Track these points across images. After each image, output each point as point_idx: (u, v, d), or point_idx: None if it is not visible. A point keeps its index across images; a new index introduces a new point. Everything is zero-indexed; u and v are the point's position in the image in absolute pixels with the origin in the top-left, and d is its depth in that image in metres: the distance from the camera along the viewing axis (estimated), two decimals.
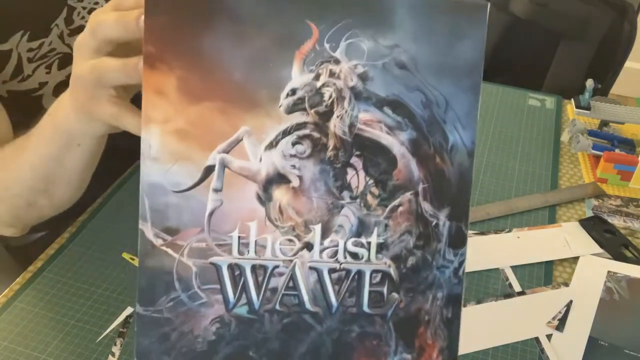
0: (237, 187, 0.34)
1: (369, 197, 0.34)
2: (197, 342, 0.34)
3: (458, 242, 0.37)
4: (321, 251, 0.34)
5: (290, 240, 0.34)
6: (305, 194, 0.34)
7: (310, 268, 0.34)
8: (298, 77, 0.33)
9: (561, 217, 0.83)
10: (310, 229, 0.34)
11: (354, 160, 0.34)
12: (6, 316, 0.66)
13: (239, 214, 0.34)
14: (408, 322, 0.35)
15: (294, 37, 0.33)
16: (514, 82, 1.15)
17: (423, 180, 0.35)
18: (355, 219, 0.34)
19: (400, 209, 0.35)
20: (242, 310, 0.34)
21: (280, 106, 0.34)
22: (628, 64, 1.40)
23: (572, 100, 1.07)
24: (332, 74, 0.33)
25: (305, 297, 0.34)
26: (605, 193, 0.88)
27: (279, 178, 0.34)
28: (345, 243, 0.34)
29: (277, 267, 0.34)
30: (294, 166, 0.34)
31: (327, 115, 0.34)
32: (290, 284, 0.34)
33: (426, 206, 0.35)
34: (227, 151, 0.34)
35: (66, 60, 0.78)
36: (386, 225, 0.35)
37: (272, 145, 0.34)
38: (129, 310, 0.67)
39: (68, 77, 0.74)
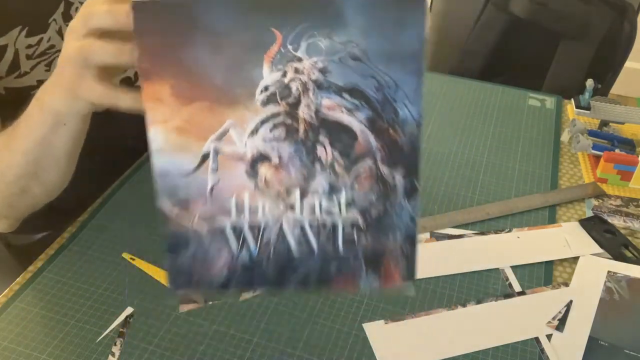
0: (229, 167, 0.42)
1: (337, 166, 0.43)
2: (214, 279, 0.44)
3: (412, 193, 0.44)
4: (302, 210, 0.43)
5: (277, 204, 0.43)
6: (284, 168, 0.43)
7: (295, 224, 0.44)
8: (269, 76, 0.40)
9: (561, 217, 0.83)
10: (291, 193, 0.43)
11: (322, 138, 0.42)
12: (6, 316, 0.66)
13: (233, 187, 0.43)
14: (375, 257, 0.45)
15: (261, 43, 0.39)
16: (514, 82, 1.15)
17: (380, 149, 0.43)
18: (326, 184, 0.43)
19: (363, 173, 0.43)
20: (244, 258, 0.44)
21: (256, 101, 0.41)
22: (628, 64, 1.40)
23: (572, 100, 1.07)
24: (296, 71, 0.41)
25: (293, 246, 0.44)
26: (605, 193, 0.88)
27: (262, 157, 0.43)
28: (320, 203, 0.43)
29: (268, 224, 0.43)
30: (273, 148, 0.42)
31: (296, 105, 0.41)
32: (280, 236, 0.44)
33: (384, 169, 0.43)
34: (218, 139, 0.42)
35: None
36: (352, 186, 0.43)
37: (253, 132, 0.42)
38: (129, 310, 0.67)
39: None
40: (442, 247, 0.77)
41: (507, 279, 0.73)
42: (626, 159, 0.88)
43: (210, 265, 0.44)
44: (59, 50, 0.70)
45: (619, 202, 0.86)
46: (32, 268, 0.72)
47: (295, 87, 0.41)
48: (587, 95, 1.05)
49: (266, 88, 0.41)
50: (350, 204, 0.44)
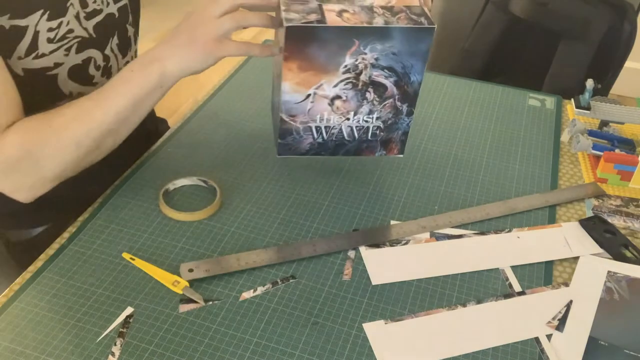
0: (319, 101, 0.78)
1: (374, 101, 0.79)
2: (302, 150, 0.83)
3: (409, 114, 0.81)
4: (352, 120, 0.81)
5: (340, 118, 0.80)
6: (348, 102, 0.78)
7: (348, 126, 0.81)
8: (348, 60, 0.74)
9: (561, 217, 0.83)
10: (349, 113, 0.80)
11: (369, 89, 0.78)
12: (6, 316, 0.66)
13: (320, 109, 0.79)
14: (386, 141, 0.84)
15: (347, 45, 0.73)
16: (514, 82, 1.15)
17: (398, 94, 0.79)
18: (368, 109, 0.80)
19: (387, 105, 0.80)
20: (319, 140, 0.82)
21: (339, 71, 0.75)
22: (628, 64, 1.40)
23: (572, 100, 1.07)
24: (363, 59, 0.74)
25: (345, 135, 0.82)
26: (605, 193, 0.88)
27: (337, 97, 0.78)
28: (362, 117, 0.81)
29: (334, 126, 0.81)
30: (343, 92, 0.77)
31: (359, 74, 0.76)
32: (340, 131, 0.82)
33: (398, 103, 0.80)
34: (317, 88, 0.76)
35: (84, 44, 0.80)
36: (380, 110, 0.80)
37: (335, 85, 0.76)
38: (129, 310, 0.67)
39: (84, 61, 0.80)
40: (442, 247, 0.77)
41: (507, 279, 0.73)
42: (626, 159, 0.88)
43: (300, 143, 0.82)
44: (78, 37, 0.77)
45: (619, 202, 0.86)
46: (32, 268, 0.72)
47: (360, 65, 0.75)
48: (587, 95, 1.05)
49: (346, 66, 0.75)
50: (378, 118, 0.81)
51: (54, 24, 0.75)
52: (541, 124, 1.03)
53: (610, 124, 1.00)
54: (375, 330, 0.66)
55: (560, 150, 0.97)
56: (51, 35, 0.76)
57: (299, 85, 0.76)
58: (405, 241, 0.78)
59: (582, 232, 0.80)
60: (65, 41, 0.78)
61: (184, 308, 0.68)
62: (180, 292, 0.69)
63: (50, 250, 0.74)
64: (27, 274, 0.71)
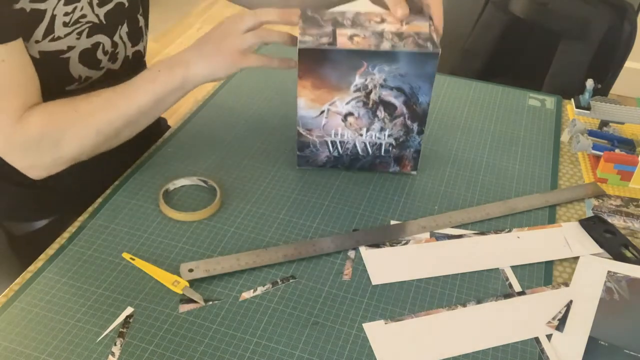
0: (333, 117, 0.83)
1: (385, 119, 0.84)
2: (318, 162, 0.89)
3: (420, 133, 0.85)
4: (365, 137, 0.85)
5: (354, 134, 0.85)
6: (360, 119, 0.84)
7: (362, 142, 0.86)
8: (358, 80, 0.79)
9: (561, 217, 0.83)
10: (362, 130, 0.85)
11: (380, 107, 0.82)
12: (6, 316, 0.66)
13: (334, 125, 0.84)
14: (399, 158, 0.88)
15: (356, 66, 0.78)
16: (514, 82, 1.15)
17: (407, 113, 0.83)
18: (379, 127, 0.84)
19: (398, 123, 0.84)
20: (334, 154, 0.88)
21: (350, 90, 0.80)
22: (628, 64, 1.40)
23: (572, 100, 1.07)
24: (372, 79, 0.79)
25: (359, 151, 0.87)
26: (605, 193, 0.88)
27: (350, 113, 0.83)
28: (375, 134, 0.85)
29: (348, 141, 0.86)
30: (355, 110, 0.82)
31: (369, 93, 0.81)
32: (354, 146, 0.87)
33: (408, 122, 0.84)
34: (330, 105, 0.82)
35: (94, 29, 0.83)
36: (392, 128, 0.85)
37: (347, 103, 0.82)
38: (129, 310, 0.67)
39: (94, 45, 0.84)
40: (442, 247, 0.77)
41: (507, 279, 0.73)
42: (626, 159, 0.88)
43: (317, 157, 0.88)
44: (90, 22, 0.82)
45: (619, 202, 0.86)
46: (32, 268, 0.72)
47: (370, 85, 0.80)
48: (587, 95, 1.05)
49: (356, 85, 0.80)
50: (389, 135, 0.86)
51: (69, 8, 0.79)
52: (541, 124, 1.03)
53: (610, 124, 1.00)
54: (375, 330, 0.66)
55: (560, 150, 0.97)
56: (66, 19, 0.79)
57: (314, 102, 0.82)
58: (405, 241, 0.78)
59: (582, 232, 0.80)
60: (78, 25, 0.81)
61: (184, 308, 0.68)
62: (180, 292, 0.69)
63: (50, 250, 0.74)
64: (27, 274, 0.71)
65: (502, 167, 0.92)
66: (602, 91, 1.30)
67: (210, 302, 0.69)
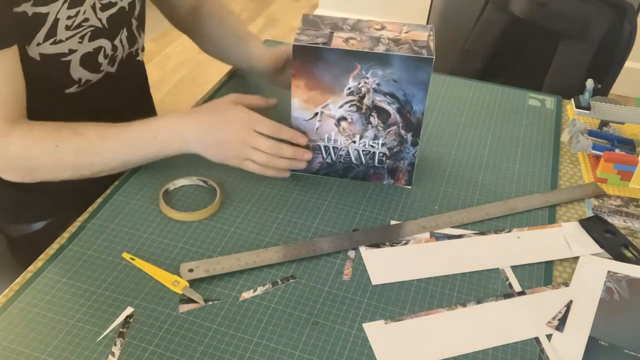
0: (326, 121, 0.82)
1: (379, 127, 0.82)
2: (312, 169, 0.88)
3: (414, 144, 0.83)
4: (358, 144, 0.84)
5: (347, 140, 0.84)
6: (353, 124, 0.82)
7: (355, 149, 0.85)
8: (351, 83, 0.79)
9: (561, 217, 0.83)
10: (355, 136, 0.83)
11: (373, 113, 0.81)
12: (6, 316, 0.66)
13: (328, 129, 0.83)
14: (393, 170, 0.86)
15: (349, 68, 0.77)
16: (514, 82, 1.15)
17: (401, 122, 0.81)
18: (372, 134, 0.83)
19: (391, 132, 0.82)
20: (328, 161, 0.86)
21: (344, 93, 0.79)
22: (628, 64, 1.40)
23: (572, 100, 1.07)
24: (365, 82, 0.78)
25: (352, 159, 0.86)
26: (605, 193, 0.88)
27: (343, 118, 0.82)
28: (368, 141, 0.84)
29: (341, 148, 0.85)
30: (348, 114, 0.81)
31: (362, 97, 0.80)
32: (347, 154, 0.85)
33: (402, 131, 0.82)
34: (323, 107, 0.81)
35: (96, 34, 0.84)
36: (385, 137, 0.83)
37: (341, 106, 0.81)
38: (129, 310, 0.67)
39: (96, 49, 0.84)
40: (442, 247, 0.77)
41: (507, 279, 0.73)
42: (626, 159, 0.88)
43: (311, 162, 0.86)
44: (92, 27, 0.82)
45: (619, 202, 0.86)
46: (32, 268, 0.72)
47: (363, 89, 0.79)
48: (587, 95, 1.05)
49: (349, 88, 0.79)
50: (383, 144, 0.84)
51: (72, 12, 0.79)
52: (541, 124, 1.03)
53: (610, 124, 1.00)
54: (375, 330, 0.66)
55: (560, 150, 0.97)
56: (69, 22, 0.79)
57: (307, 103, 0.81)
58: (405, 241, 0.78)
59: (582, 232, 0.80)
60: (81, 29, 0.81)
61: (184, 308, 0.68)
62: (180, 292, 0.69)
63: (50, 250, 0.74)
64: (27, 274, 0.71)
65: (502, 167, 0.92)
66: (602, 91, 1.30)
67: (210, 302, 0.69)
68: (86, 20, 0.81)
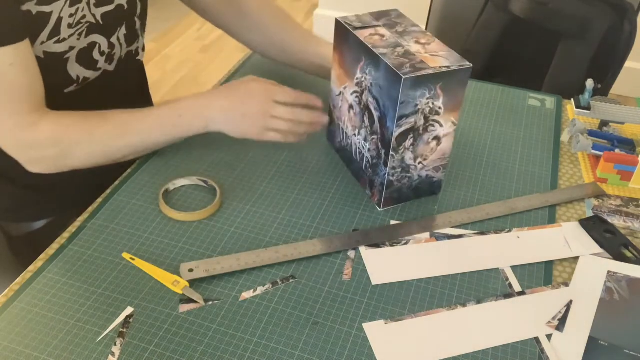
0: (345, 102, 0.86)
1: (368, 129, 0.80)
2: (337, 143, 0.91)
3: (385, 164, 0.78)
4: (357, 138, 0.83)
5: (353, 129, 0.84)
6: (356, 116, 0.82)
7: (355, 143, 0.84)
8: (358, 74, 0.79)
9: (561, 217, 0.83)
10: (355, 129, 0.84)
11: (366, 113, 0.80)
12: (6, 316, 0.66)
13: (344, 111, 0.86)
14: (372, 182, 0.83)
15: (358, 59, 0.78)
16: (514, 82, 1.15)
17: (380, 135, 0.78)
18: (364, 134, 0.81)
19: (374, 140, 0.80)
20: (342, 142, 0.89)
21: (354, 82, 0.81)
22: (628, 64, 1.40)
23: (572, 100, 1.07)
24: (365, 79, 0.78)
25: (353, 152, 0.86)
26: (605, 193, 0.88)
27: (351, 107, 0.83)
28: (362, 140, 0.82)
29: (349, 136, 0.86)
30: (353, 106, 0.83)
31: (362, 92, 0.80)
32: (351, 145, 0.86)
33: (380, 144, 0.78)
34: (344, 88, 0.84)
35: (91, 29, 0.84)
36: (370, 142, 0.80)
37: (352, 94, 0.82)
38: (129, 310, 0.67)
39: (90, 44, 0.84)
40: (442, 247, 0.77)
41: (507, 279, 0.73)
42: (626, 159, 0.88)
43: (335, 137, 0.91)
44: (88, 22, 0.82)
45: (619, 202, 0.86)
46: (32, 268, 0.72)
47: (364, 84, 0.79)
48: (587, 95, 1.05)
49: (357, 78, 0.80)
50: (369, 150, 0.81)
51: (73, 10, 0.79)
52: (541, 124, 1.03)
53: (610, 124, 1.00)
54: (375, 330, 0.66)
55: (560, 150, 0.97)
56: (71, 20, 0.79)
57: (337, 79, 0.85)
58: (405, 241, 0.78)
59: (582, 232, 0.80)
60: (79, 26, 0.81)
61: (184, 308, 0.68)
62: (180, 292, 0.69)
63: (50, 250, 0.74)
64: (27, 274, 0.71)
65: (502, 167, 0.92)
66: (602, 91, 1.30)
67: (210, 302, 0.69)
68: (84, 17, 0.81)
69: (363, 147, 0.83)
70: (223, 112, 0.82)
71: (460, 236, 0.79)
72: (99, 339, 0.64)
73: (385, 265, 0.74)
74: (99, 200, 0.82)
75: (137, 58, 0.96)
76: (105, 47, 0.86)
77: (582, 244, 0.78)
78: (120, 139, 0.80)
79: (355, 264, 0.74)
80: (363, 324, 0.67)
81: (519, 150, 0.96)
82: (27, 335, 0.64)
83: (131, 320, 0.66)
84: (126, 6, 0.87)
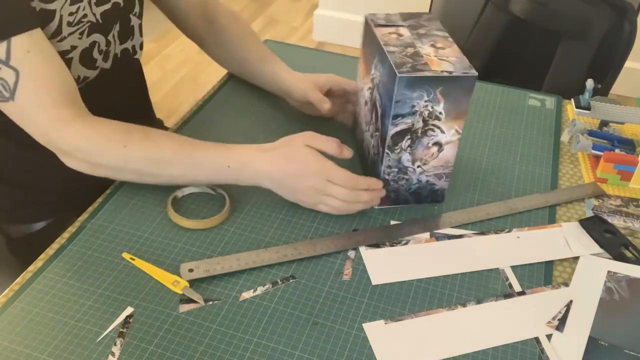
0: (363, 97, 0.86)
1: (374, 126, 0.80)
2: (358, 134, 0.91)
3: (382, 159, 0.78)
4: (368, 132, 0.84)
5: (365, 125, 0.86)
6: (368, 111, 0.83)
7: (366, 138, 0.85)
8: (373, 70, 0.80)
9: (561, 217, 0.83)
10: (366, 125, 0.85)
11: (374, 110, 0.80)
12: (6, 316, 0.66)
13: (362, 105, 0.87)
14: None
15: (374, 56, 0.79)
16: (514, 82, 1.15)
17: (380, 132, 0.77)
18: (372, 129, 0.81)
19: (376, 136, 0.80)
20: (358, 139, 0.91)
21: (369, 77, 0.82)
22: (628, 64, 1.40)
23: (572, 100, 1.07)
24: (376, 76, 0.78)
25: (364, 146, 0.86)
26: (605, 193, 0.88)
27: (366, 102, 0.83)
28: (370, 135, 0.82)
29: (365, 130, 0.86)
30: (366, 101, 0.84)
31: (373, 88, 0.80)
32: (364, 140, 0.87)
33: (380, 142, 0.78)
34: (364, 83, 0.85)
35: (92, 29, 0.83)
36: (374, 140, 0.81)
37: (368, 89, 0.83)
38: (129, 310, 0.67)
39: (91, 44, 0.84)
40: (442, 247, 0.77)
41: (507, 279, 0.73)
42: (626, 159, 0.88)
43: (357, 129, 0.92)
44: (89, 22, 0.82)
45: (619, 202, 0.86)
46: (32, 268, 0.72)
47: (375, 81, 0.79)
48: (587, 95, 1.05)
49: (372, 74, 0.80)
50: (373, 146, 0.81)
51: (74, 8, 0.79)
52: (541, 124, 1.03)
53: (610, 124, 1.00)
54: (375, 330, 0.66)
55: (560, 150, 0.97)
56: (70, 19, 0.79)
57: (362, 73, 0.86)
58: (405, 241, 0.78)
59: (582, 232, 0.80)
60: (80, 25, 0.81)
61: (184, 308, 0.68)
62: (180, 292, 0.69)
63: (50, 250, 0.74)
64: (27, 274, 0.71)
65: (502, 167, 0.92)
66: (602, 91, 1.30)
67: (210, 302, 0.69)
68: (85, 16, 0.81)
69: (369, 143, 0.83)
70: (274, 179, 0.77)
71: (460, 236, 0.79)
72: (99, 339, 0.64)
73: (385, 265, 0.74)
74: (99, 200, 0.82)
75: (135, 57, 0.96)
76: (103, 45, 0.87)
77: (582, 244, 0.78)
78: (157, 166, 0.77)
79: (355, 264, 0.74)
80: (363, 324, 0.67)
81: (519, 150, 0.96)
82: (27, 335, 0.64)
83: (131, 320, 0.66)
84: (122, 3, 0.88)
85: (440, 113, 0.74)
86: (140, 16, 0.94)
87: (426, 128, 0.75)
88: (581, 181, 0.90)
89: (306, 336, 0.66)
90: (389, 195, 0.81)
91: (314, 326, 0.67)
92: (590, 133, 0.97)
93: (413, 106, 0.72)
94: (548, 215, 0.83)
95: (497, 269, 0.75)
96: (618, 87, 1.47)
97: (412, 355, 0.64)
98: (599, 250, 0.78)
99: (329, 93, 0.94)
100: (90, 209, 0.81)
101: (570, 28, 1.36)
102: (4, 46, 0.70)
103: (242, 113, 1.01)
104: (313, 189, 0.76)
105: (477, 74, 0.72)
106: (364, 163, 0.87)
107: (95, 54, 0.86)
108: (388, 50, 0.74)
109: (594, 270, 0.75)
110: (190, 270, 0.71)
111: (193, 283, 0.70)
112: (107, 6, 0.85)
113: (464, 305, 0.70)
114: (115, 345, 0.64)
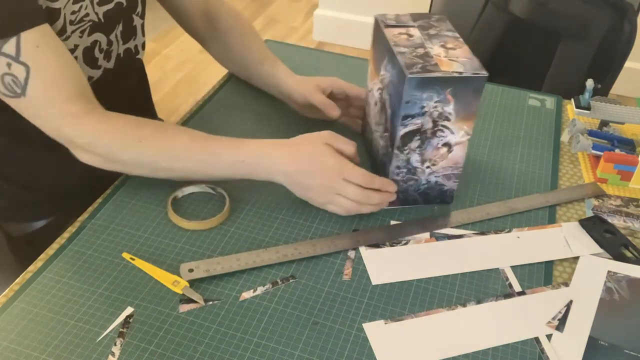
0: (372, 97, 0.86)
1: (383, 125, 0.80)
2: (368, 135, 0.91)
3: (391, 158, 0.78)
4: (376, 133, 0.84)
5: (374, 126, 0.85)
6: (378, 112, 0.83)
7: (375, 138, 0.85)
8: (382, 70, 0.79)
9: (561, 217, 0.83)
10: (375, 125, 0.84)
11: (384, 111, 0.80)
12: (6, 316, 0.66)
13: (372, 105, 0.86)
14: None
15: (384, 56, 0.78)
16: (514, 82, 1.15)
17: (390, 132, 0.78)
18: (382, 129, 0.81)
19: (385, 136, 0.80)
20: (367, 140, 0.91)
21: (379, 78, 0.81)
22: (628, 64, 1.40)
23: (572, 100, 1.07)
24: (386, 76, 0.78)
25: (373, 146, 0.87)
26: (605, 193, 0.88)
27: (375, 103, 0.83)
28: (380, 135, 0.82)
29: (374, 129, 0.85)
30: (375, 102, 0.84)
31: (383, 89, 0.79)
32: (372, 140, 0.87)
33: (389, 142, 0.78)
34: (373, 84, 0.85)
35: (94, 28, 0.83)
36: (382, 138, 0.81)
37: (377, 89, 0.82)
38: (129, 310, 0.67)
39: (92, 43, 0.84)
40: (442, 247, 0.77)
41: (507, 279, 0.73)
42: (626, 159, 0.88)
43: (365, 129, 0.92)
44: (91, 21, 0.82)
45: (619, 202, 0.86)
46: (32, 268, 0.72)
47: (385, 81, 0.78)
48: (587, 95, 1.05)
49: (382, 75, 0.79)
50: (382, 147, 0.81)
51: (76, 7, 0.79)
52: (541, 124, 1.03)
53: (610, 124, 1.00)
54: (375, 330, 0.66)
55: (560, 150, 0.97)
56: (73, 17, 0.79)
57: (371, 74, 0.86)
58: (405, 241, 0.78)
59: (582, 232, 0.80)
60: (81, 24, 0.81)
61: (184, 308, 0.68)
62: (180, 292, 0.69)
63: (50, 250, 0.74)
64: (27, 274, 0.71)
65: (502, 167, 0.92)
66: (602, 91, 1.30)
67: (210, 302, 0.69)
68: (86, 15, 0.81)
69: (378, 144, 0.83)
70: (288, 175, 0.77)
71: (460, 236, 0.79)
72: (99, 339, 0.64)
73: (385, 265, 0.74)
74: (99, 200, 0.82)
75: (137, 57, 0.96)
76: (104, 44, 0.87)
77: (582, 244, 0.78)
78: (171, 160, 0.77)
79: (355, 264, 0.74)
80: (363, 324, 0.67)
81: (519, 150, 0.96)
82: (27, 335, 0.64)
83: (131, 320, 0.66)
84: (125, 3, 0.88)
85: (449, 114, 0.74)
86: (142, 16, 0.94)
87: (436, 129, 0.75)
88: (581, 181, 0.90)
89: (306, 336, 0.66)
90: (398, 196, 0.81)
91: (314, 326, 0.67)
92: (590, 133, 0.97)
93: (423, 107, 0.72)
94: (548, 215, 0.83)
95: (497, 269, 0.75)
96: (618, 87, 1.47)
97: (412, 355, 0.64)
98: (599, 250, 0.78)
99: (330, 96, 0.94)
100: (90, 209, 0.81)
101: (570, 28, 1.36)
102: (13, 42, 0.69)
103: (242, 113, 1.01)
104: (326, 186, 0.76)
105: (487, 74, 0.72)
106: (373, 163, 0.87)
107: (97, 53, 0.86)
108: (398, 50, 0.74)
109: (594, 270, 0.75)
110: (190, 270, 0.71)
111: (193, 283, 0.70)
112: (110, 6, 0.85)
113: (464, 305, 0.70)
114: (115, 345, 0.64)
